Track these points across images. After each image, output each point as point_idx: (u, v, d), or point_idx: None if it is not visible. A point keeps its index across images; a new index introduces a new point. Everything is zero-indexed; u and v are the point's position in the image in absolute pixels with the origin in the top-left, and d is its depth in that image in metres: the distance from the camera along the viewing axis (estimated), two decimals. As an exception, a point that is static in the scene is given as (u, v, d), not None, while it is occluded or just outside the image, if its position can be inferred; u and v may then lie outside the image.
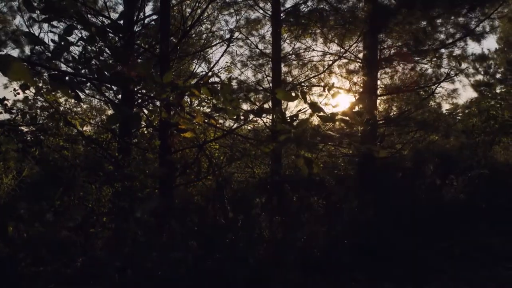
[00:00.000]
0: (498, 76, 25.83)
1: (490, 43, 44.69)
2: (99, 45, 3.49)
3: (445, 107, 36.21)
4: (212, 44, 12.38)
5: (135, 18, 9.67)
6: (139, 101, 8.98)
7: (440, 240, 8.01)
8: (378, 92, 12.05)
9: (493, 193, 10.46)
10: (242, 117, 3.89)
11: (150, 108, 8.78)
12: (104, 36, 3.47)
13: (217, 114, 4.74)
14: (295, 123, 3.66)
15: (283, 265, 6.20)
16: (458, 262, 7.14)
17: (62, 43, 3.13)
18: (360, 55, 12.19)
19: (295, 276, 6.06)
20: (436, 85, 12.32)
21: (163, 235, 6.69)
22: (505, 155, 14.76)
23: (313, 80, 12.51)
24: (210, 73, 10.70)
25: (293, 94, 3.80)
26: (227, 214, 7.16)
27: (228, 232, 6.69)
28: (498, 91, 26.28)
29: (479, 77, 25.45)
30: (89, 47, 3.41)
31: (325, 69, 12.32)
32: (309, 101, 3.75)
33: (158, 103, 6.84)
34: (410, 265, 6.87)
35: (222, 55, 11.69)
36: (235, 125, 8.31)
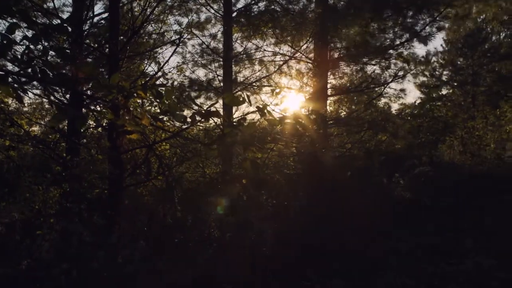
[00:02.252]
0: (443, 77, 26.48)
1: (436, 45, 45.98)
2: (43, 44, 3.43)
3: (395, 107, 36.90)
4: (162, 44, 12.30)
5: (84, 17, 9.54)
6: (88, 101, 8.86)
7: (387, 238, 8.17)
8: (328, 92, 12.21)
9: (437, 191, 10.73)
10: (189, 120, 3.90)
11: (98, 109, 8.68)
12: (48, 35, 3.43)
13: (164, 117, 4.73)
14: (243, 125, 3.69)
15: (232, 264, 6.23)
16: (404, 258, 7.31)
17: (5, 42, 3.08)
18: (311, 56, 12.32)
19: (245, 275, 6.10)
20: (384, 86, 12.55)
21: (111, 236, 6.62)
22: (450, 154, 15.16)
23: (264, 80, 12.59)
24: (159, 74, 10.62)
25: (241, 98, 3.84)
26: (175, 214, 7.14)
27: (177, 232, 6.67)
28: (444, 92, 26.96)
29: (425, 78, 26.06)
30: (32, 46, 3.36)
31: (275, 69, 12.42)
32: (257, 103, 3.79)
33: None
34: (359, 262, 6.98)
35: (171, 55, 11.63)
36: (184, 126, 8.28)
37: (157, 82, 9.71)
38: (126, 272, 5.53)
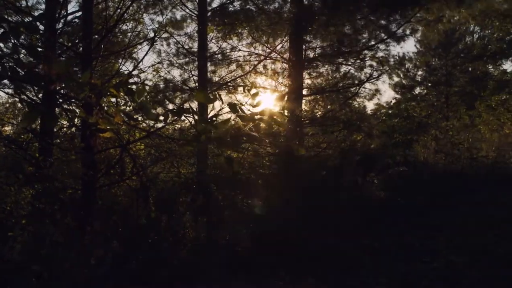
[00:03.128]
0: (418, 78, 26.74)
1: (410, 46, 46.33)
2: (14, 42, 3.39)
3: (370, 107, 37.17)
4: (137, 43, 12.21)
5: (57, 16, 9.42)
6: (61, 100, 8.76)
7: (362, 236, 8.22)
8: (304, 92, 12.24)
9: (411, 190, 10.83)
10: (162, 118, 3.87)
11: (71, 108, 8.57)
12: (19, 34, 3.37)
13: (138, 115, 4.69)
14: (217, 122, 3.68)
15: (207, 264, 6.21)
16: (378, 257, 7.35)
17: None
18: (286, 56, 12.34)
19: (219, 275, 6.08)
20: (359, 86, 12.62)
21: (85, 237, 6.55)
22: (424, 153, 15.32)
23: (239, 80, 12.57)
24: (135, 73, 10.55)
25: (212, 96, 3.82)
26: (149, 214, 7.09)
27: (151, 232, 6.63)
28: (417, 92, 27.24)
29: (400, 78, 26.29)
30: (2, 44, 3.31)
31: (251, 69, 12.40)
32: (229, 102, 3.79)
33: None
34: (333, 261, 7.01)
35: (146, 54, 11.55)
36: (159, 125, 8.23)
37: (132, 81, 9.64)
38: (99, 273, 5.48)
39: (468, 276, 6.35)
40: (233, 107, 3.70)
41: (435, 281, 6.23)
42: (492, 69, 29.18)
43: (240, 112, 3.69)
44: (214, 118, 3.68)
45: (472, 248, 7.65)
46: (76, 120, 8.64)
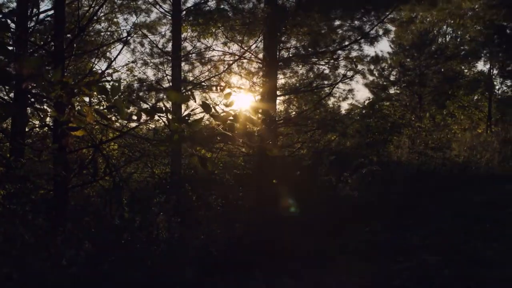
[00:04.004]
0: (392, 78, 26.92)
1: (384, 46, 46.85)
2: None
3: (344, 106, 37.38)
4: (110, 42, 12.12)
5: (29, 14, 9.30)
6: (32, 100, 8.63)
7: (335, 236, 8.26)
8: (278, 92, 12.25)
9: (385, 190, 10.92)
10: (135, 117, 3.84)
11: (43, 107, 8.46)
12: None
13: (110, 114, 4.64)
14: (190, 121, 3.67)
15: (180, 265, 6.18)
16: (351, 256, 7.39)
17: None
18: (260, 56, 12.34)
19: (193, 276, 6.06)
20: (333, 86, 12.67)
21: (56, 238, 6.47)
22: (397, 153, 15.47)
23: (214, 80, 12.54)
24: (110, 72, 10.47)
25: (184, 95, 3.81)
26: (122, 215, 7.04)
27: (124, 233, 6.58)
28: (392, 92, 27.45)
29: (374, 78, 26.45)
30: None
31: (225, 68, 12.38)
32: (202, 101, 3.77)
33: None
34: (307, 260, 7.03)
35: (119, 53, 11.48)
36: (133, 125, 8.18)
37: (105, 80, 9.57)
38: (71, 274, 5.42)
39: (440, 275, 6.42)
40: (206, 107, 3.69)
41: (407, 281, 6.29)
42: (465, 70, 29.59)
43: (213, 111, 3.68)
44: (187, 117, 3.67)
45: (445, 247, 7.73)
46: (48, 119, 8.55)
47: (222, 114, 3.73)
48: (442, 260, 7.04)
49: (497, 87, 30.57)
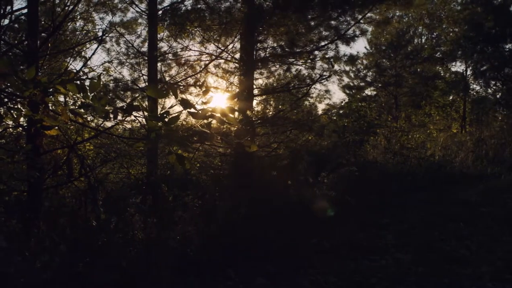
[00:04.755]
0: (368, 79, 27.13)
1: (361, 47, 47.18)
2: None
3: (321, 107, 37.55)
4: (86, 41, 12.02)
5: (2, 12, 9.17)
6: (6, 100, 8.49)
7: (312, 236, 8.27)
8: (255, 92, 12.23)
9: (361, 190, 10.97)
10: (111, 115, 3.80)
11: (17, 107, 8.34)
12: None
13: (85, 112, 4.59)
14: (167, 118, 3.64)
15: (156, 266, 6.14)
16: (327, 255, 7.42)
17: None
18: (237, 56, 12.31)
19: (168, 277, 6.02)
20: (309, 86, 12.69)
21: (30, 240, 6.39)
22: (373, 153, 15.56)
23: (190, 80, 12.48)
24: (86, 71, 10.37)
25: (163, 91, 3.78)
26: (98, 216, 6.97)
27: (99, 234, 6.52)
28: (368, 92, 27.66)
29: (350, 80, 26.63)
30: None
31: (202, 68, 12.33)
32: (181, 98, 3.74)
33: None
34: (283, 261, 7.03)
35: (94, 53, 11.40)
36: (109, 125, 8.14)
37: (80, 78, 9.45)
38: (45, 277, 5.35)
39: (415, 273, 6.49)
40: (185, 103, 3.67)
41: (383, 279, 6.33)
42: (441, 71, 29.89)
43: (192, 108, 3.66)
44: (165, 115, 3.64)
45: (419, 245, 7.81)
46: (22, 120, 8.42)
47: (200, 111, 3.72)
48: (417, 258, 7.12)
49: (472, 88, 30.93)
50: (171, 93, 3.80)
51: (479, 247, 7.69)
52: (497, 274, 6.42)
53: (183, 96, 11.90)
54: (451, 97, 30.34)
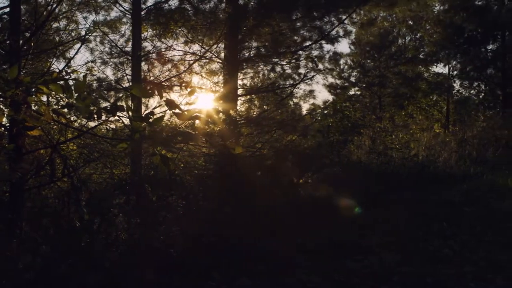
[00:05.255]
0: (352, 79, 27.25)
1: (345, 48, 47.36)
2: None
3: (306, 107, 37.60)
4: (69, 41, 11.94)
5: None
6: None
7: (296, 236, 8.27)
8: (239, 92, 12.24)
9: (345, 190, 10.99)
10: (95, 116, 3.77)
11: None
12: None
13: (68, 112, 4.54)
14: (151, 119, 3.62)
15: (139, 266, 6.11)
16: (311, 256, 7.42)
17: None
18: (222, 55, 12.32)
19: (152, 277, 5.99)
20: (294, 86, 12.72)
21: (13, 241, 6.33)
22: (358, 153, 15.62)
23: (174, 80, 12.45)
24: (65, 70, 10.29)
25: (148, 91, 3.76)
26: (82, 217, 6.91)
27: (83, 235, 6.47)
28: (352, 93, 27.79)
29: (334, 79, 26.72)
30: None
31: (186, 68, 12.31)
32: (166, 98, 3.72)
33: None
34: (268, 261, 7.01)
35: (77, 52, 11.32)
36: (92, 124, 8.07)
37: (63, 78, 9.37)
38: (28, 278, 5.30)
39: (398, 273, 6.51)
40: (170, 103, 3.65)
41: (366, 279, 6.35)
42: (424, 72, 30.13)
43: (177, 109, 3.65)
44: (150, 116, 3.62)
45: (403, 245, 7.84)
46: (4, 120, 8.33)
47: (185, 112, 3.70)
48: (401, 258, 7.14)
49: (455, 89, 31.20)
50: (156, 92, 3.79)
51: (462, 247, 7.74)
52: (480, 273, 6.48)
53: (168, 95, 11.87)
54: (434, 98, 30.58)
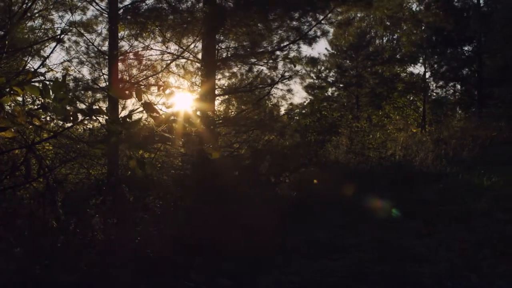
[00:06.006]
0: (329, 79, 27.37)
1: (322, 48, 47.67)
2: None
3: (284, 107, 37.65)
4: (44, 40, 11.81)
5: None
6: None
7: (274, 236, 8.28)
8: (217, 92, 12.22)
9: (323, 189, 11.04)
10: (71, 117, 3.74)
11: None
12: None
13: (44, 113, 4.50)
14: (128, 122, 3.59)
15: (116, 267, 6.07)
16: (290, 255, 7.44)
17: None
18: (199, 55, 12.28)
19: (128, 278, 5.96)
20: (271, 86, 12.74)
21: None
22: (335, 153, 15.69)
23: (151, 80, 12.38)
24: (42, 70, 10.18)
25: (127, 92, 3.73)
26: (58, 217, 6.85)
27: (58, 236, 6.41)
28: (329, 93, 27.91)
29: (312, 79, 26.81)
30: None
31: (163, 68, 12.26)
32: (144, 101, 3.70)
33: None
34: (246, 261, 7.02)
35: (52, 51, 11.22)
36: (67, 125, 7.98)
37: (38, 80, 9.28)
38: (1, 282, 5.24)
39: (375, 272, 6.55)
40: (148, 107, 3.63)
41: (343, 278, 6.37)
42: (401, 72, 30.37)
43: (155, 112, 3.62)
44: (127, 119, 3.59)
45: (379, 244, 7.89)
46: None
47: (162, 116, 3.68)
48: (377, 257, 7.19)
49: (431, 89, 31.51)
50: (134, 95, 3.77)
51: (438, 245, 7.81)
52: (455, 271, 6.54)
53: (144, 95, 11.80)
54: (411, 98, 30.83)
